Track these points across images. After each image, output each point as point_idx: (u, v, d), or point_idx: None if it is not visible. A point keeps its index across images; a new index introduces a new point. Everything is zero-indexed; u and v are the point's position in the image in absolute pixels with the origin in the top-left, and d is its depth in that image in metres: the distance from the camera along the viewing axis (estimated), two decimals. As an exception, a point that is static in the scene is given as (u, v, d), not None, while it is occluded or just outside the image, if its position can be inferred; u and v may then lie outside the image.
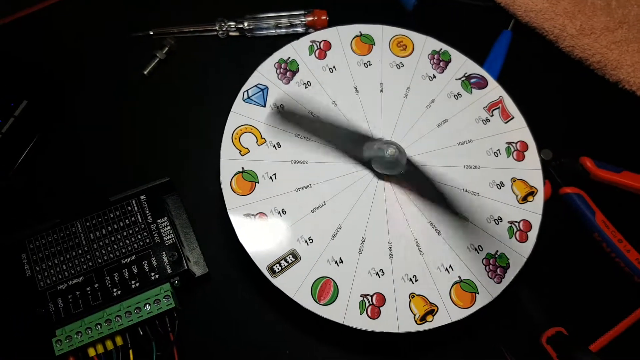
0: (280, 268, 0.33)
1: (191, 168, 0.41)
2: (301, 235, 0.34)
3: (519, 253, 0.35)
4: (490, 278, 0.34)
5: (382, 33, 0.41)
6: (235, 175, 0.35)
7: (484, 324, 0.36)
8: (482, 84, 0.40)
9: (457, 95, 0.40)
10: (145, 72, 0.44)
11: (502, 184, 0.37)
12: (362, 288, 0.33)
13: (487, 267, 0.34)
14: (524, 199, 0.37)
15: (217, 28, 0.46)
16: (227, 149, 0.36)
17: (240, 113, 0.37)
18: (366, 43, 0.41)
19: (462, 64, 0.41)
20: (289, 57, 0.39)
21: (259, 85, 0.38)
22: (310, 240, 0.34)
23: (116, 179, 0.40)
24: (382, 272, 0.34)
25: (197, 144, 0.42)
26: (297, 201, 0.35)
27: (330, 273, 0.33)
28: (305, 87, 0.39)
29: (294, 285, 0.33)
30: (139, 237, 0.36)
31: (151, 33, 0.45)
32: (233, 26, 0.46)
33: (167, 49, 0.45)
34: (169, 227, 0.36)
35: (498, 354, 0.36)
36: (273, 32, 0.46)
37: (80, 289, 0.34)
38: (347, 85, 0.39)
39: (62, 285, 0.34)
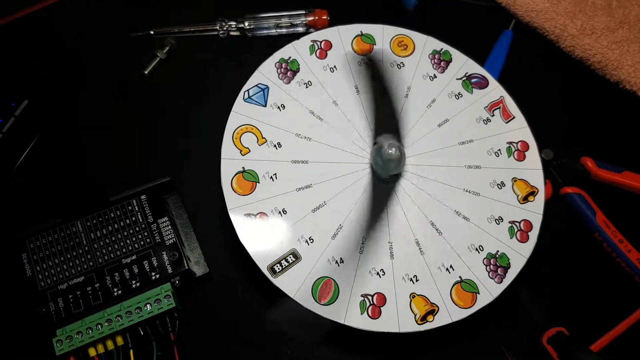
0: (280, 268, 0.33)
1: (192, 168, 0.41)
2: (302, 235, 0.34)
3: (520, 253, 0.35)
4: (491, 278, 0.34)
5: (382, 33, 0.41)
6: (235, 175, 0.35)
7: (484, 324, 0.36)
8: (483, 83, 0.40)
9: (458, 95, 0.40)
10: (146, 72, 0.44)
11: (502, 184, 0.37)
12: (363, 288, 0.33)
13: (488, 267, 0.34)
14: (525, 199, 0.37)
15: (217, 28, 0.46)
16: (227, 148, 0.36)
17: (241, 113, 0.37)
18: (367, 43, 0.41)
19: (462, 63, 0.41)
20: (290, 57, 0.39)
21: (259, 85, 0.38)
22: (311, 240, 0.34)
23: (117, 178, 0.40)
24: (383, 272, 0.34)
25: (197, 144, 0.42)
26: (298, 201, 0.35)
27: (330, 273, 0.33)
28: (306, 87, 0.38)
29: (295, 285, 0.33)
30: (140, 236, 0.36)
31: (152, 33, 0.45)
32: (234, 26, 0.46)
33: (167, 48, 0.45)
34: (170, 227, 0.36)
35: (499, 354, 0.36)
36: (274, 31, 0.46)
37: (80, 289, 0.34)
38: (348, 85, 0.39)
39: (62, 285, 0.34)
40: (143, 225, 0.36)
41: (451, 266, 0.34)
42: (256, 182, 0.35)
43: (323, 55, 0.40)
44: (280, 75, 0.39)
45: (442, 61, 0.40)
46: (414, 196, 0.36)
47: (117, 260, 0.35)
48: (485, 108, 0.39)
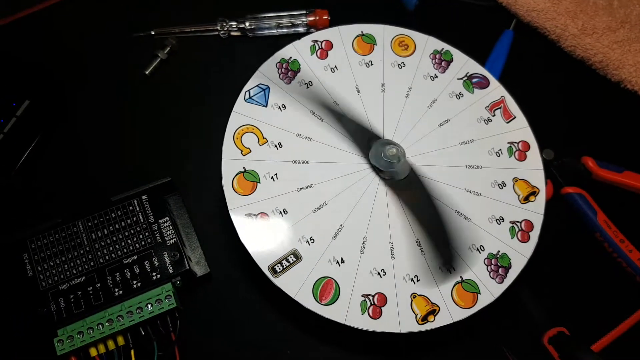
0: (281, 268, 0.33)
1: (193, 168, 0.41)
2: (302, 235, 0.34)
3: (521, 253, 0.35)
4: (492, 278, 0.34)
5: (383, 33, 0.41)
6: (236, 175, 0.35)
7: (485, 324, 0.36)
8: (483, 83, 0.40)
9: (459, 95, 0.39)
10: (147, 72, 0.44)
11: (503, 184, 0.37)
12: (364, 288, 0.33)
13: (489, 267, 0.34)
14: (526, 199, 0.36)
15: (218, 28, 0.46)
16: (228, 148, 0.36)
17: (242, 113, 0.37)
18: (368, 43, 0.41)
19: (463, 63, 0.41)
20: (291, 57, 0.39)
21: (260, 85, 0.38)
22: (312, 240, 0.34)
23: (118, 178, 0.40)
24: (384, 272, 0.34)
25: (198, 144, 0.42)
26: (299, 201, 0.35)
27: (331, 273, 0.33)
28: (307, 87, 0.38)
29: (296, 285, 0.33)
30: (141, 237, 0.36)
31: (153, 33, 0.45)
32: (234, 26, 0.46)
33: (168, 48, 0.45)
34: (171, 227, 0.36)
35: (500, 354, 0.36)
36: (274, 32, 0.46)
37: (81, 289, 0.34)
38: (348, 85, 0.39)
39: (63, 285, 0.34)
40: (144, 226, 0.36)
41: (452, 266, 0.34)
42: (257, 182, 0.35)
43: (324, 55, 0.40)
44: (281, 75, 0.39)
45: (443, 61, 0.40)
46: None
47: (118, 261, 0.35)
48: (486, 108, 0.39)
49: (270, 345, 0.36)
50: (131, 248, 0.35)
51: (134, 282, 0.34)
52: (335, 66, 0.39)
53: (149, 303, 0.34)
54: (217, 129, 0.37)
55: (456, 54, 0.41)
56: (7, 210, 0.39)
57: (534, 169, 0.37)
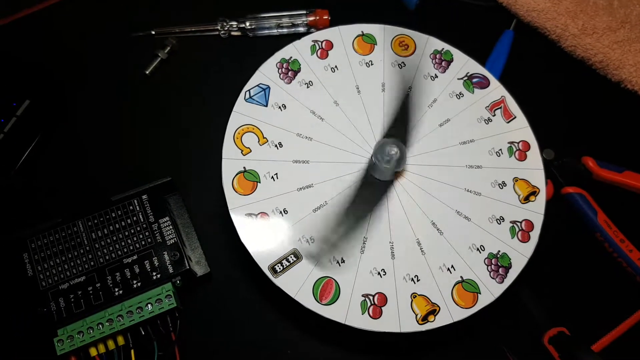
0: (281, 268, 0.33)
1: (193, 168, 0.41)
2: (303, 235, 0.34)
3: (521, 253, 0.35)
4: (492, 278, 0.34)
5: (384, 33, 0.41)
6: (237, 174, 0.35)
7: (485, 324, 0.36)
8: (484, 83, 0.40)
9: (459, 95, 0.39)
10: (147, 72, 0.44)
11: (504, 184, 0.37)
12: (364, 288, 0.33)
13: (489, 267, 0.34)
14: (526, 199, 0.36)
15: (218, 28, 0.46)
16: (228, 148, 0.36)
17: (242, 113, 0.37)
18: (368, 43, 0.41)
19: (464, 63, 0.40)
20: (291, 57, 0.39)
21: (260, 85, 0.38)
22: (312, 240, 0.34)
23: (118, 178, 0.40)
24: (384, 272, 0.34)
25: (198, 144, 0.42)
26: (299, 201, 0.35)
27: (331, 273, 0.33)
28: (307, 87, 0.38)
29: (296, 285, 0.33)
30: (141, 236, 0.36)
31: (153, 33, 0.45)
32: (235, 26, 0.46)
33: (168, 48, 0.45)
34: (171, 227, 0.36)
35: (500, 354, 0.36)
36: (275, 31, 0.46)
37: (81, 289, 0.34)
38: (349, 85, 0.39)
39: (63, 285, 0.34)
40: (144, 225, 0.36)
41: (452, 266, 0.34)
42: (257, 182, 0.35)
43: (324, 55, 0.40)
44: (282, 75, 0.39)
45: (443, 61, 0.40)
46: (415, 196, 0.36)
47: (118, 260, 0.35)
48: (486, 108, 0.39)
49: (270, 345, 0.36)
50: (131, 248, 0.35)
51: (134, 281, 0.34)
52: (336, 66, 0.39)
53: (149, 303, 0.34)
54: (217, 128, 0.37)
55: (456, 54, 0.41)
56: (7, 210, 0.39)
57: (534, 168, 0.37)
